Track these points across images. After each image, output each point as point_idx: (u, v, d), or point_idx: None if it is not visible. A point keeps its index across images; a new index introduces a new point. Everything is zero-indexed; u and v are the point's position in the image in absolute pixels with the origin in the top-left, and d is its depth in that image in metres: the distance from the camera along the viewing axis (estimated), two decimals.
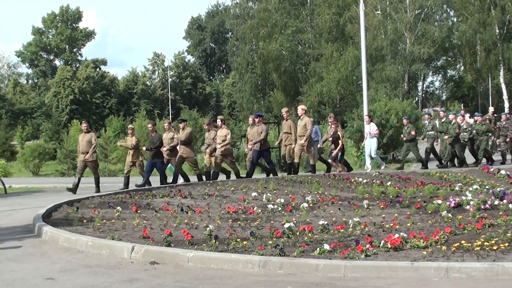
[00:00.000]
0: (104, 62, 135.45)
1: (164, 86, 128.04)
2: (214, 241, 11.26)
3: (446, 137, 28.00)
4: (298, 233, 12.00)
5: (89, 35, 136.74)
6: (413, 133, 28.05)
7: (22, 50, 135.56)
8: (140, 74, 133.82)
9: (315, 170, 25.86)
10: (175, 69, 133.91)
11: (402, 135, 29.18)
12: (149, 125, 25.16)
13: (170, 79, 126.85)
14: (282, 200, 16.52)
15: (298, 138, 24.81)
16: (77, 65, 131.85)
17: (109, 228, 13.49)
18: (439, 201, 15.01)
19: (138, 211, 15.75)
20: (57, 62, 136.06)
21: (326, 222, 12.52)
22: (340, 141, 25.32)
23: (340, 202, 16.62)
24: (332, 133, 25.64)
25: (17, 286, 9.54)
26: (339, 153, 25.63)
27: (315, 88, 69.59)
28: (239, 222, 13.63)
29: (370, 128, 28.37)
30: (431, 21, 71.36)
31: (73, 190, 22.34)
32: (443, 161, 28.46)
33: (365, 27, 34.76)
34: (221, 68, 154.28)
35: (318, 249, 10.42)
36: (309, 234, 11.78)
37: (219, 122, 25.13)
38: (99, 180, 23.37)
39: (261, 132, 24.79)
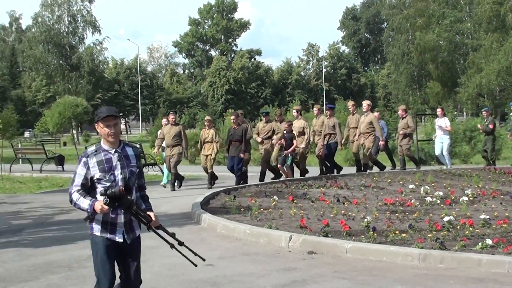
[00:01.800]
0: (258, 53, 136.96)
1: (319, 77, 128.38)
2: (372, 232, 11.16)
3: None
4: (458, 227, 11.71)
5: (244, 25, 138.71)
6: (491, 126, 26.37)
7: (179, 40, 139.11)
8: (295, 65, 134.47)
9: (366, 169, 24.01)
10: (330, 59, 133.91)
11: (479, 127, 27.47)
12: (232, 117, 22.32)
13: (324, 70, 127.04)
14: (441, 193, 16.22)
15: (363, 135, 22.96)
16: (232, 56, 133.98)
17: (266, 217, 13.59)
18: None
19: (295, 201, 15.77)
20: (213, 52, 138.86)
21: (487, 217, 12.19)
22: (294, 141, 22.01)
23: (501, 196, 16.14)
24: (285, 132, 22.24)
25: (178, 271, 9.74)
26: (290, 157, 22.10)
27: (474, 79, 67.79)
28: (396, 214, 13.47)
29: (444, 123, 25.39)
30: None
31: (174, 186, 21.46)
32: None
33: None
34: (376, 58, 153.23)
35: (479, 243, 10.17)
36: (470, 228, 11.47)
37: (295, 113, 23.74)
38: (176, 177, 21.63)
39: (333, 126, 22.88)
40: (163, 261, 10.36)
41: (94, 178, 6.43)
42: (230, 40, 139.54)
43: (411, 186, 18.23)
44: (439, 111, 25.86)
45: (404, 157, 24.91)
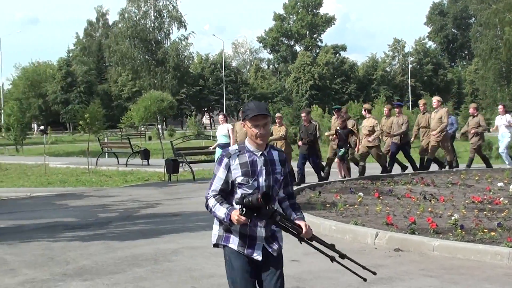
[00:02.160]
0: (343, 48, 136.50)
1: (404, 72, 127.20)
2: (459, 230, 10.97)
3: None
4: None
5: (329, 21, 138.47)
6: None
7: (264, 36, 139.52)
8: (380, 60, 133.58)
9: (452, 167, 23.14)
10: (416, 55, 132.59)
11: None
12: (303, 114, 22.33)
13: (410, 65, 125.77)
14: None
15: (432, 133, 22.44)
16: (317, 51, 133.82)
17: (352, 213, 13.50)
18: None
19: (380, 197, 15.64)
20: (297, 48, 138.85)
21: None
22: (353, 137, 21.47)
23: None
24: (338, 128, 21.41)
25: None
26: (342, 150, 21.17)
27: None
28: (485, 213, 13.19)
29: (506, 120, 23.70)
30: None
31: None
32: None
33: None
34: (463, 54, 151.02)
35: None
36: None
37: (364, 112, 23.29)
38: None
39: (402, 124, 22.38)
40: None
41: (236, 182, 5.65)
42: (315, 35, 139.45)
43: (499, 184, 17.88)
44: (500, 108, 24.45)
45: (473, 156, 24.07)
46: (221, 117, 22.43)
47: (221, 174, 5.67)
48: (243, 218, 5.34)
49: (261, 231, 5.68)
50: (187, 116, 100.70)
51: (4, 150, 48.84)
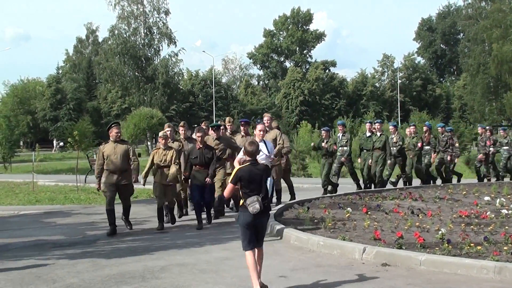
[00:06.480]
0: (333, 64, 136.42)
1: (393, 88, 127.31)
2: (446, 245, 11.03)
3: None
4: None
5: (319, 36, 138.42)
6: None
7: (254, 52, 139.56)
8: (369, 76, 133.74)
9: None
10: (405, 70, 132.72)
11: None
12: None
13: (399, 81, 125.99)
14: None
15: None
16: (307, 67, 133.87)
17: (339, 229, 13.52)
18: None
19: (369, 213, 15.68)
20: (288, 64, 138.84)
21: None
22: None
23: None
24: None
25: (251, 282, 9.73)
26: None
27: None
28: (471, 227, 13.28)
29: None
30: None
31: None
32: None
33: None
34: (452, 69, 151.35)
35: None
36: None
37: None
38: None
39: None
40: (237, 273, 10.37)
41: None
42: (305, 51, 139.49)
43: (486, 198, 18.02)
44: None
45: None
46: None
47: None
48: None
49: None
50: (177, 133, 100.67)
51: None
